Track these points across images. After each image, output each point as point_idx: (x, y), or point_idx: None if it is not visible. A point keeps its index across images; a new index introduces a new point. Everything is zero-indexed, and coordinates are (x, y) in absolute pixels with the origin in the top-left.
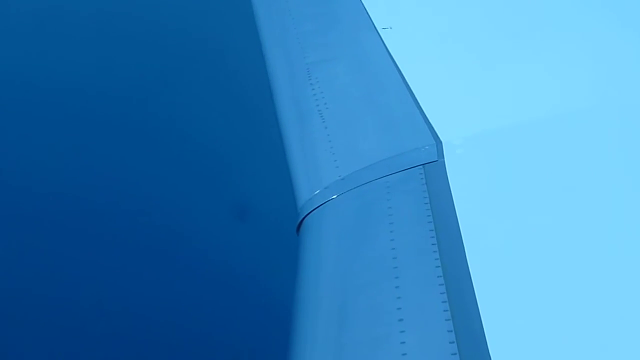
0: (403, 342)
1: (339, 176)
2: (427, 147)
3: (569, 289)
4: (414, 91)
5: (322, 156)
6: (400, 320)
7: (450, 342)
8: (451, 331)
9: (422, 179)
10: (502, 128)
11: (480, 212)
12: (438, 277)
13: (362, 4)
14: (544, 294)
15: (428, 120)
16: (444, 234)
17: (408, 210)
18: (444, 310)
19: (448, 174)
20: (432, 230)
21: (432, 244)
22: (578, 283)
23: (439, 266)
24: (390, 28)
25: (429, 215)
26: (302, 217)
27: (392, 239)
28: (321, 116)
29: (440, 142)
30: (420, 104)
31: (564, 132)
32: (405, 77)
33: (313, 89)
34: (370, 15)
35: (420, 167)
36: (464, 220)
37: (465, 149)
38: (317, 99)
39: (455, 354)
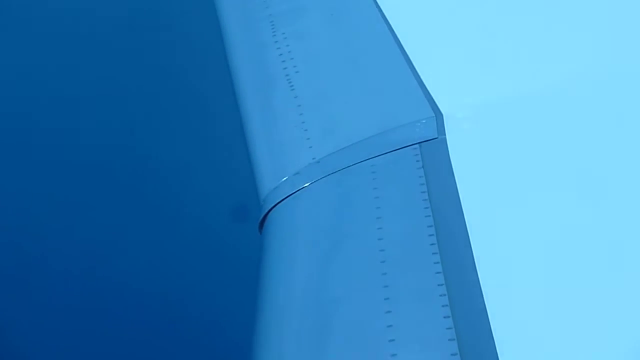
0: None
1: (313, 158)
2: (424, 121)
3: (593, 294)
4: (407, 51)
5: (291, 134)
6: (392, 341)
7: None
8: (456, 354)
9: (417, 161)
10: (517, 97)
11: (490, 202)
12: (439, 285)
13: None
14: (569, 307)
15: (425, 87)
16: (445, 232)
17: (400, 201)
18: (447, 328)
19: (450, 155)
20: (431, 226)
21: (431, 244)
22: (600, 285)
23: (439, 272)
24: None
25: (426, 208)
26: (266, 211)
27: (380, 238)
28: (289, 83)
29: (441, 115)
30: (416, 67)
31: (585, 102)
32: (397, 34)
33: (278, 48)
34: None
35: (416, 145)
36: (470, 213)
37: (473, 123)
38: (284, 61)
39: None
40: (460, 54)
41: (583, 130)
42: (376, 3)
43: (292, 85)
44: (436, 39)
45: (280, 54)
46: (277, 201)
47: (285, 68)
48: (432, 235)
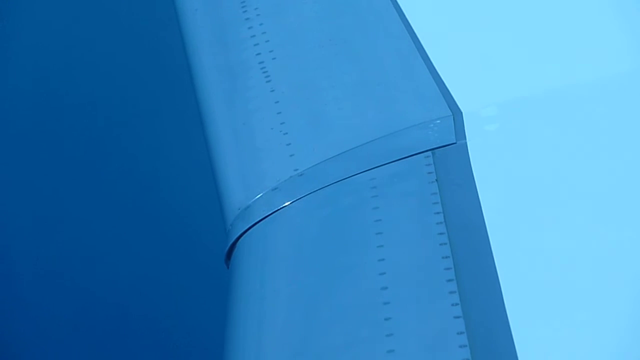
0: None
1: (295, 170)
2: (438, 122)
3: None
4: (418, 36)
5: (267, 138)
6: None
7: None
8: None
9: (430, 173)
10: (553, 93)
11: (525, 227)
12: (458, 334)
13: None
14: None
15: (440, 78)
16: (466, 266)
17: (407, 226)
18: None
19: (472, 165)
20: (448, 257)
21: (448, 281)
22: None
23: (459, 317)
24: None
25: (441, 234)
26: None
27: (383, 273)
28: (264, 72)
29: (460, 114)
30: (428, 54)
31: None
32: (405, 13)
33: (250, 28)
34: None
35: (428, 153)
36: (499, 242)
37: (501, 124)
38: (258, 44)
39: None
40: (484, 41)
41: (628, 130)
42: None
43: (267, 76)
44: (453, 22)
45: (253, 36)
46: (249, 226)
47: (258, 54)
48: (450, 269)
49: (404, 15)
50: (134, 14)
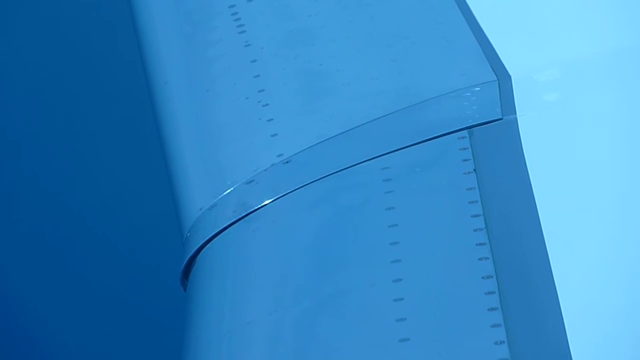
0: None
1: (279, 156)
2: (477, 89)
3: None
4: None
5: (240, 112)
6: None
7: None
8: None
9: (465, 160)
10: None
11: (593, 231)
12: None
13: None
14: None
15: (482, 31)
16: (517, 295)
17: (433, 230)
18: None
19: (524, 149)
20: (491, 278)
21: (490, 310)
22: None
23: (502, 342)
24: None
25: (481, 245)
26: (194, 249)
27: (400, 299)
28: (237, 19)
29: (509, 78)
30: (468, 3)
31: None
32: None
33: None
34: None
35: (463, 132)
36: (558, 253)
37: (564, 93)
38: None
39: None
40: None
41: None
42: None
43: (240, 25)
44: None
45: None
46: (214, 233)
47: None
48: (493, 294)
49: None
50: None
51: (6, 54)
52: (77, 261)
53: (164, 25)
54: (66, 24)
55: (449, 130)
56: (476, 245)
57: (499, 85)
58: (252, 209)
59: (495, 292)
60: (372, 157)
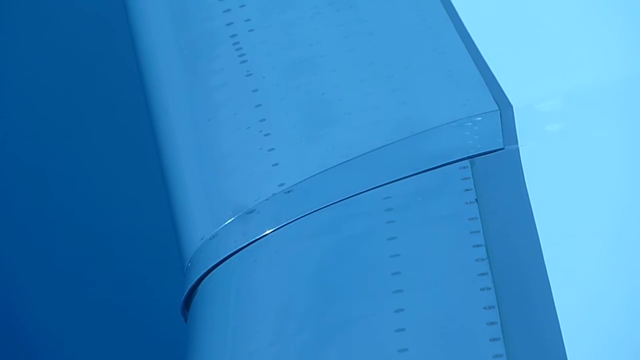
0: None
1: (281, 186)
2: (479, 119)
3: None
4: (456, 8)
5: (241, 141)
6: None
7: None
8: None
9: (467, 190)
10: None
11: (597, 264)
12: None
13: None
14: None
15: (484, 62)
16: (520, 328)
17: (435, 261)
18: None
19: (526, 180)
20: (493, 308)
21: (492, 340)
22: None
23: None
24: None
25: (483, 275)
26: (195, 279)
27: (401, 329)
28: (238, 49)
29: (510, 108)
30: (468, 30)
31: None
32: None
33: None
34: None
35: (465, 162)
36: (561, 285)
37: (566, 124)
38: (230, 10)
39: None
40: (539, 18)
41: None
42: None
43: (242, 54)
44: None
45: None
46: (215, 263)
47: (230, 24)
48: (495, 324)
49: None
50: None
51: (7, 59)
52: (81, 294)
53: (166, 54)
54: (68, 55)
55: (451, 160)
56: (478, 275)
57: (500, 115)
58: (254, 239)
59: (497, 323)
60: (373, 186)
